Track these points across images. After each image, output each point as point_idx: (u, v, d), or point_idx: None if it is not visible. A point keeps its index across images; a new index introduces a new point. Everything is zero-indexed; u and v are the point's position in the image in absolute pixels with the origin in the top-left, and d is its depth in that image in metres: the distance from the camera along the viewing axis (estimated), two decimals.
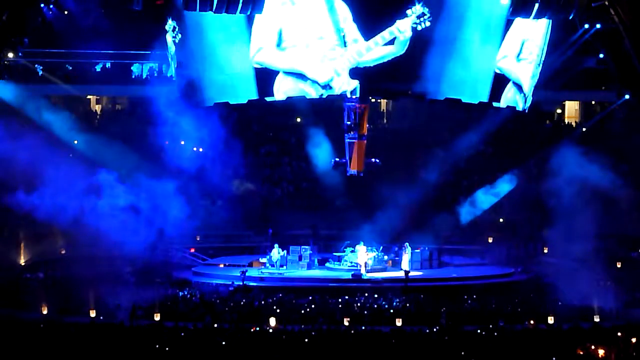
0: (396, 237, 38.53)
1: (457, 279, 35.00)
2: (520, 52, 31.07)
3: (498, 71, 30.06)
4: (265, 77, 26.84)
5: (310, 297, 31.55)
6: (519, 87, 31.68)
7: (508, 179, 39.14)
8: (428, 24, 26.11)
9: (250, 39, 27.49)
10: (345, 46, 27.04)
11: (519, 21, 30.37)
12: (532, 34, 31.07)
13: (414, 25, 25.70)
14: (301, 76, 26.26)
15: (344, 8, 25.84)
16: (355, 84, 27.90)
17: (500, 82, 30.68)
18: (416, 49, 27.65)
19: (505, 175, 39.31)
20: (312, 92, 27.57)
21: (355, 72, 28.14)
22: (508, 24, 30.35)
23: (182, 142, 38.96)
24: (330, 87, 27.30)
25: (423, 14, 25.74)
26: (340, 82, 27.42)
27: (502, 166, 41.07)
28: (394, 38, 26.77)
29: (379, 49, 26.54)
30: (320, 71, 26.81)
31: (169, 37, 30.46)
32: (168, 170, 38.28)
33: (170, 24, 29.47)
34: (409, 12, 26.53)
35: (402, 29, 25.68)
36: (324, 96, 27.57)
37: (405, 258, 35.84)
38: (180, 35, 28.99)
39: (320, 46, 25.83)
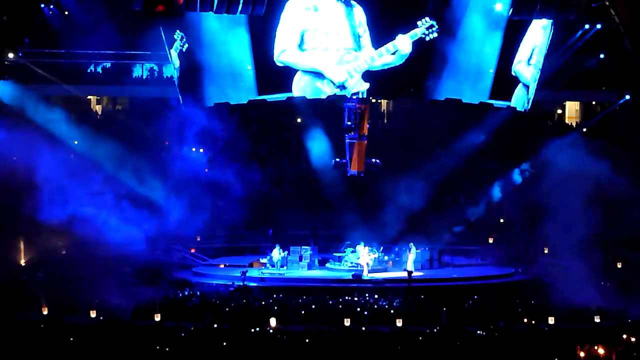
0: (396, 238, 38.55)
1: (457, 279, 34.99)
2: (530, 58, 32.24)
3: (513, 74, 31.67)
4: (285, 74, 28.49)
5: (310, 298, 31.51)
6: (527, 88, 32.70)
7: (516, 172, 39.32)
8: (436, 34, 27.50)
9: (250, 43, 28.96)
10: (360, 49, 28.58)
11: (532, 29, 31.50)
12: (541, 40, 32.09)
13: (423, 36, 27.24)
14: (319, 75, 27.73)
15: (361, 14, 27.29)
16: (367, 86, 29.30)
17: (513, 82, 32.13)
18: (423, 54, 29.20)
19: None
20: (327, 90, 29.15)
21: (367, 75, 29.63)
22: (515, 28, 31.00)
23: (182, 142, 38.97)
24: (344, 87, 28.83)
25: (432, 26, 27.23)
26: (353, 82, 28.79)
27: (502, 166, 41.06)
28: (396, 50, 28.47)
29: (384, 57, 27.93)
30: (337, 72, 28.38)
31: (175, 44, 31.03)
32: (168, 170, 38.32)
33: (178, 34, 30.52)
34: (419, 23, 27.94)
35: (401, 46, 27.25)
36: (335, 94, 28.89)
37: (410, 258, 35.90)
38: (187, 45, 30.28)
39: (338, 49, 27.29)
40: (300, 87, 28.66)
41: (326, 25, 26.55)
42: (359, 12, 27.42)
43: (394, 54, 28.13)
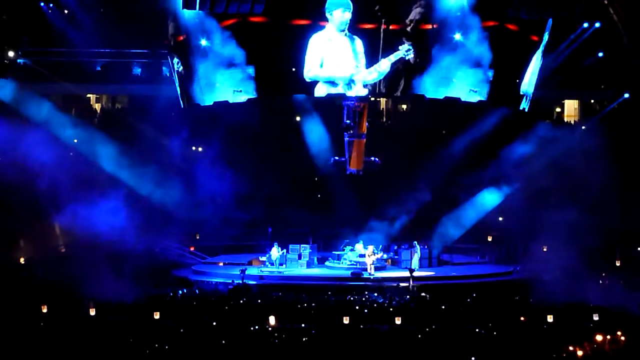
0: (395, 236, 38.60)
1: (456, 277, 35.04)
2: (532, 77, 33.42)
3: (522, 93, 33.59)
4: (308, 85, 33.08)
5: (310, 296, 31.55)
6: (526, 95, 33.55)
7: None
8: (412, 55, 31.96)
9: (246, 59, 32.05)
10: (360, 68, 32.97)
11: (535, 57, 32.77)
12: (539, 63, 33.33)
13: (403, 56, 32.13)
14: (333, 83, 32.53)
15: (360, 45, 32.35)
16: (366, 91, 32.74)
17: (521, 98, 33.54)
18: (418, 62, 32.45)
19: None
20: (340, 90, 33.27)
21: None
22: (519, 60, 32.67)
23: (181, 141, 39.04)
24: (352, 83, 32.75)
25: (409, 49, 31.98)
26: (356, 88, 32.73)
27: (501, 165, 41.04)
28: (379, 71, 33.06)
29: (371, 75, 32.53)
30: (345, 75, 32.84)
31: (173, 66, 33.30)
32: (167, 169, 38.37)
33: (175, 59, 33.02)
34: (400, 47, 32.04)
35: (382, 67, 32.35)
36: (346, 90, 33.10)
37: (415, 257, 36.01)
38: (182, 67, 32.78)
39: (346, 66, 32.58)
40: (320, 93, 32.86)
41: (337, 52, 32.35)
42: (359, 43, 32.23)
43: (377, 72, 32.74)
